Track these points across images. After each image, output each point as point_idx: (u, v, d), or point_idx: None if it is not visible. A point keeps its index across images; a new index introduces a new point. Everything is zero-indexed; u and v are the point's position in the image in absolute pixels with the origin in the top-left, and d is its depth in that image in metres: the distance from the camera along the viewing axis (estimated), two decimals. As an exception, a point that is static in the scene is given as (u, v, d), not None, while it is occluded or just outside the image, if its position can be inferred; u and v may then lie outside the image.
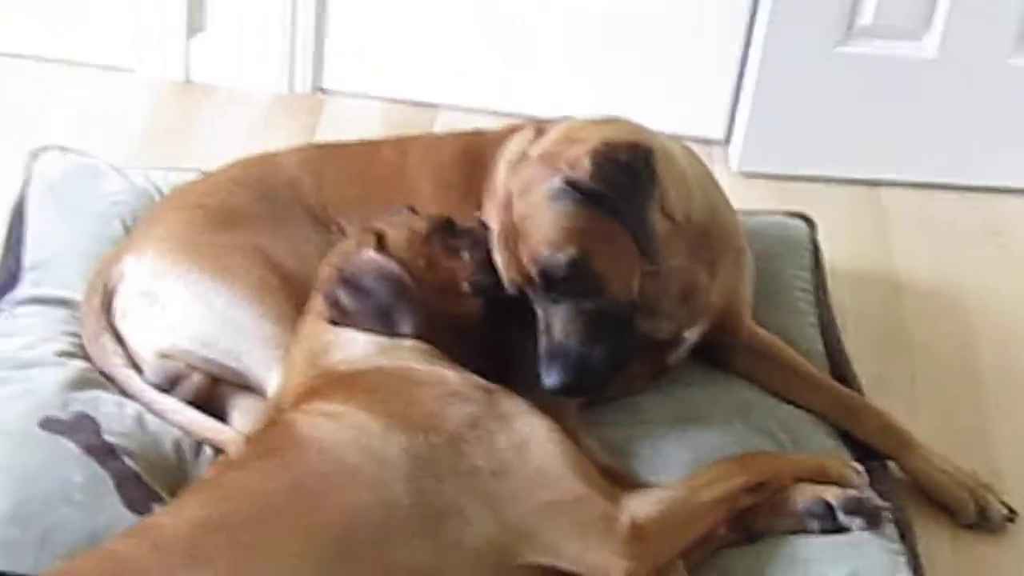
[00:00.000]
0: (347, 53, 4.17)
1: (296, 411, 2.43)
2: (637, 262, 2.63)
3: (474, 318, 2.66)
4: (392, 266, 2.59)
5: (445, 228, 2.70)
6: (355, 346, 2.54)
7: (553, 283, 2.59)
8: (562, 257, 2.57)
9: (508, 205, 2.64)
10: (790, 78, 3.90)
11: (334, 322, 2.56)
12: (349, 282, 2.57)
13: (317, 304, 2.62)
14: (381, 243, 2.63)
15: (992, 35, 3.89)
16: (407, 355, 2.51)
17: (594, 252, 2.58)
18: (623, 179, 2.59)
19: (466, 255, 2.67)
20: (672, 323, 2.84)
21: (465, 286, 2.65)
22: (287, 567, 2.16)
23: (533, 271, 2.60)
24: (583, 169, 2.58)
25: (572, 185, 2.57)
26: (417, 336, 2.54)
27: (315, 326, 2.60)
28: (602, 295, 2.60)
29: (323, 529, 2.20)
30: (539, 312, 2.62)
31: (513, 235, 2.62)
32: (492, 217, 2.67)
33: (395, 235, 2.66)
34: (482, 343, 2.66)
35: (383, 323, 2.54)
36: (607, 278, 2.60)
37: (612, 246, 2.60)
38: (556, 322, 2.60)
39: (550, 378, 2.57)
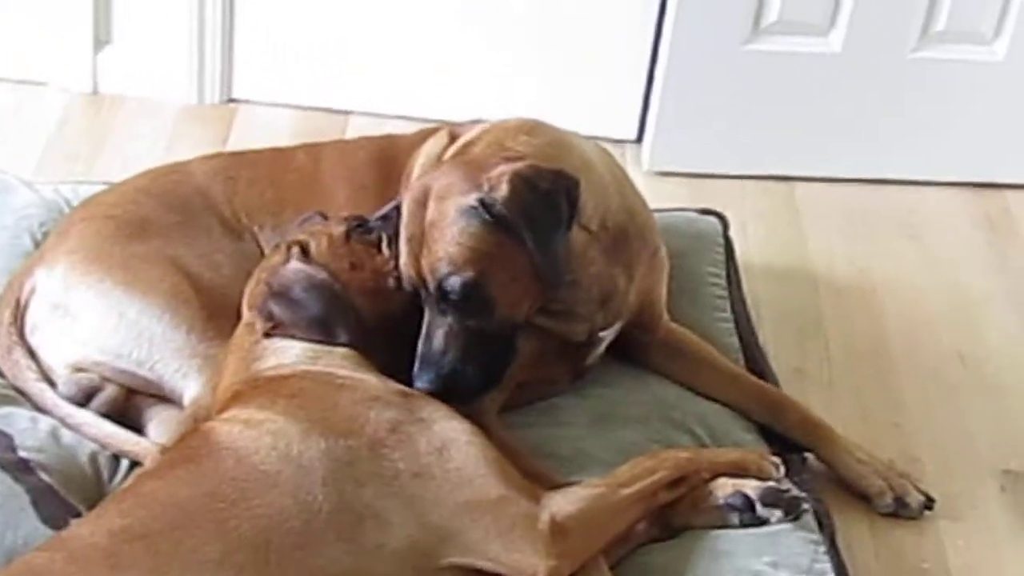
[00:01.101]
0: (257, 62, 4.15)
1: (215, 419, 2.43)
2: (533, 289, 2.64)
3: (406, 310, 2.66)
4: (320, 274, 2.59)
5: (360, 226, 2.69)
6: (288, 352, 2.53)
7: (445, 298, 2.59)
8: (458, 279, 2.57)
9: (423, 204, 2.63)
10: (699, 77, 3.92)
11: (268, 335, 2.55)
12: (281, 295, 2.58)
13: (249, 317, 2.61)
14: (305, 253, 2.63)
15: (896, 29, 3.93)
16: (335, 361, 2.52)
17: (491, 276, 2.59)
18: (538, 208, 2.58)
19: (386, 249, 2.67)
20: (588, 325, 2.84)
21: (391, 281, 2.65)
22: (206, 574, 2.15)
23: (429, 281, 2.60)
24: (500, 192, 2.56)
25: (484, 206, 2.56)
26: (353, 342, 2.55)
27: (249, 336, 2.59)
28: (491, 316, 2.61)
29: (242, 535, 2.20)
30: (426, 315, 2.63)
31: (419, 237, 2.62)
32: (405, 207, 2.66)
33: (316, 243, 2.66)
34: (415, 342, 2.66)
35: (320, 332, 2.55)
36: (499, 303, 2.61)
37: (511, 272, 2.60)
38: (438, 332, 2.61)
39: (419, 381, 2.58)
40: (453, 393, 2.56)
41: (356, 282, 2.62)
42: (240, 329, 2.62)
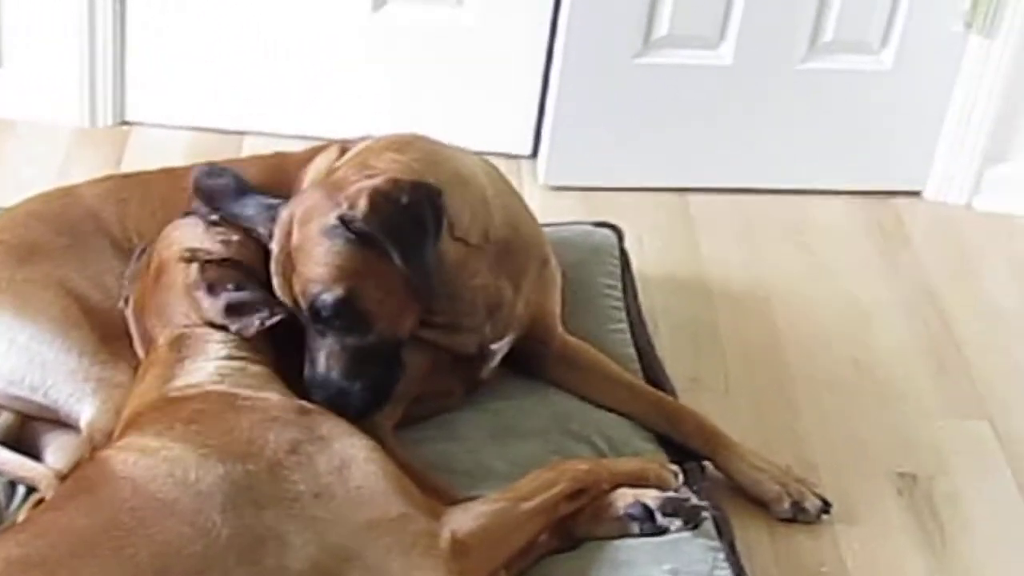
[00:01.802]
0: (149, 84, 4.12)
1: (111, 447, 2.41)
2: (409, 301, 2.65)
3: None
4: (238, 265, 2.64)
5: (203, 213, 2.72)
6: (199, 373, 2.53)
7: (320, 318, 2.60)
8: (329, 297, 2.58)
9: (288, 231, 2.64)
10: (591, 91, 3.95)
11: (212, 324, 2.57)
12: (233, 299, 2.60)
13: (174, 334, 2.60)
14: (204, 255, 2.64)
15: (785, 41, 3.97)
16: (245, 380, 2.51)
17: (363, 292, 2.59)
18: (399, 221, 2.58)
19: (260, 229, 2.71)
20: (479, 337, 2.85)
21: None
22: (105, 602, 2.14)
23: (302, 303, 2.61)
24: (359, 209, 2.57)
25: (345, 224, 2.57)
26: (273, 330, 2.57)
27: (175, 352, 2.57)
28: (369, 332, 2.62)
29: (139, 562, 2.19)
30: (308, 337, 2.64)
31: (288, 262, 2.63)
32: (275, 234, 2.67)
33: (201, 243, 2.68)
34: None
35: (282, 308, 2.59)
36: (375, 317, 2.62)
37: (382, 286, 2.61)
38: (320, 355, 2.62)
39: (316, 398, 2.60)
40: (347, 410, 2.57)
41: (253, 254, 2.68)
42: (161, 349, 2.60)
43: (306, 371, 2.63)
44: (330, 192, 2.64)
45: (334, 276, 2.58)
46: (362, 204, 2.57)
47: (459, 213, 2.70)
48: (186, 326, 2.60)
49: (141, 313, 2.68)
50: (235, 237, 2.70)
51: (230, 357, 2.56)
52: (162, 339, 2.62)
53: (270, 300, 2.62)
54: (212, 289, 2.60)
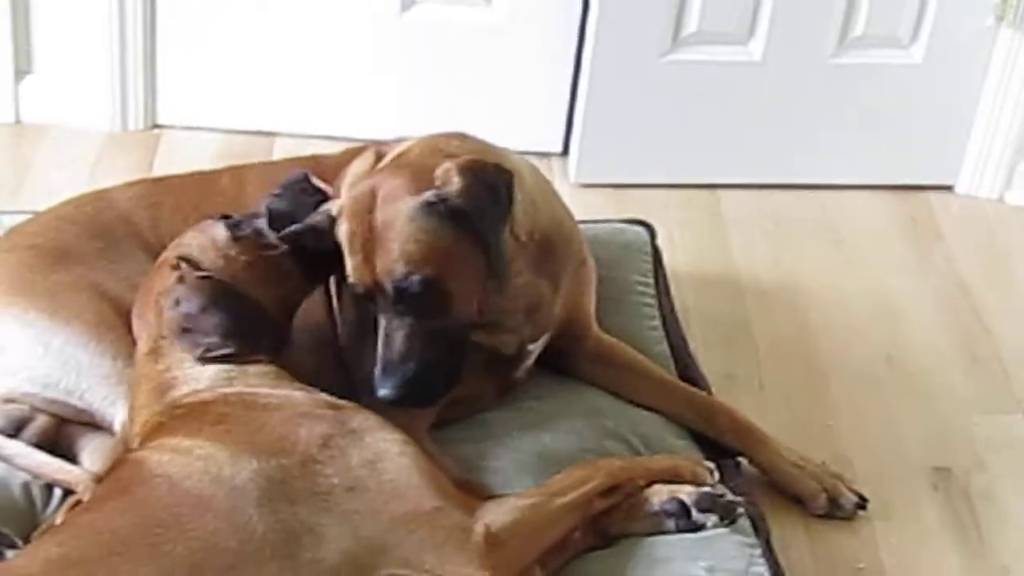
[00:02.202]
0: (180, 87, 4.13)
1: (144, 448, 2.42)
2: (483, 282, 2.64)
3: (304, 290, 2.67)
4: (218, 284, 2.55)
5: (240, 223, 2.66)
6: (200, 378, 2.52)
7: (403, 298, 2.59)
8: (417, 276, 2.56)
9: (369, 208, 2.61)
10: (621, 89, 3.95)
11: (204, 359, 2.52)
12: (189, 316, 2.54)
13: (151, 344, 2.58)
14: (194, 266, 2.60)
15: (815, 36, 3.96)
16: (254, 380, 2.50)
17: (448, 273, 2.59)
18: (487, 200, 2.60)
19: (269, 232, 2.64)
20: (517, 338, 2.85)
21: (286, 263, 2.63)
22: (144, 599, 2.15)
23: (386, 283, 2.59)
24: (454, 185, 2.57)
25: (442, 200, 2.57)
26: (275, 348, 2.54)
27: (155, 364, 2.56)
28: (447, 315, 2.61)
29: (176, 558, 2.20)
30: (381, 320, 2.62)
31: (371, 240, 2.60)
32: (345, 218, 2.63)
33: (202, 253, 2.62)
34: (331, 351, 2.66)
35: (241, 342, 2.53)
36: (455, 299, 2.61)
37: (466, 267, 2.61)
38: (398, 336, 2.60)
39: (384, 389, 2.58)
40: (419, 397, 2.58)
41: (254, 278, 2.60)
42: (142, 358, 2.59)
43: (381, 352, 2.60)
44: (415, 172, 2.63)
45: (425, 255, 2.57)
46: (456, 181, 2.57)
47: (516, 208, 2.70)
48: (153, 335, 2.58)
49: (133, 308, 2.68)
50: (244, 257, 2.63)
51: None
52: (142, 344, 2.60)
53: (232, 331, 2.54)
54: (177, 302, 2.56)
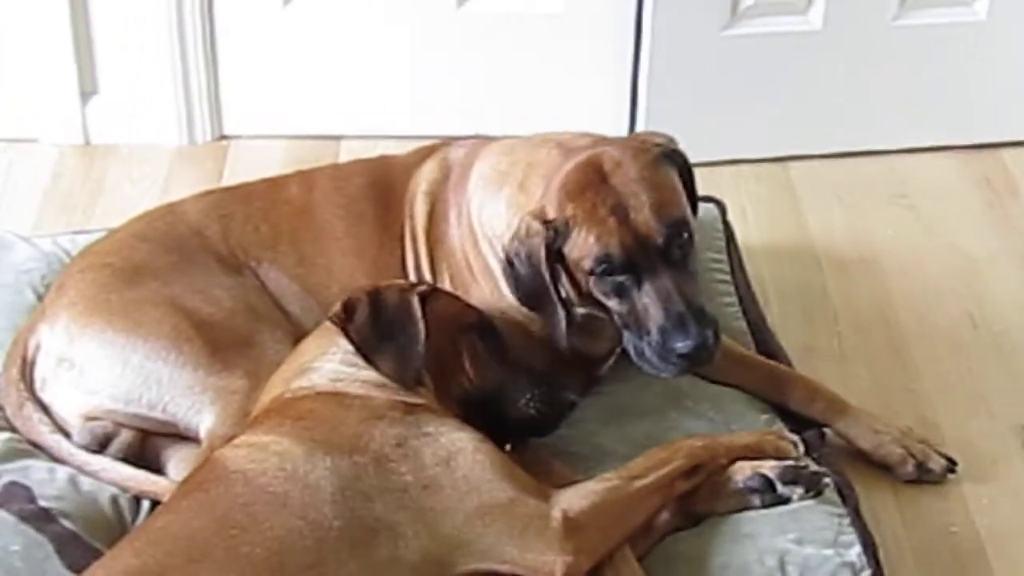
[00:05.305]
0: (244, 97, 4.17)
1: (226, 447, 2.44)
2: None
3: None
4: (418, 323, 2.58)
5: (486, 329, 2.69)
6: (319, 372, 2.55)
7: (673, 244, 2.64)
8: (682, 220, 2.66)
9: (604, 174, 2.65)
10: (683, 66, 3.93)
11: (359, 349, 2.56)
12: (377, 315, 2.58)
13: (326, 329, 2.62)
14: (427, 297, 2.63)
15: (875, 0, 3.93)
16: (355, 385, 2.52)
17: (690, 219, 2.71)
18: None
19: (486, 358, 2.66)
20: (610, 344, 2.87)
21: (465, 384, 2.64)
22: (224, 605, 2.17)
23: (658, 233, 2.62)
24: (667, 140, 2.75)
25: (673, 151, 2.74)
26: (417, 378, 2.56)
27: (316, 348, 2.60)
28: (694, 264, 2.70)
29: (255, 560, 2.22)
30: (647, 284, 2.64)
31: (623, 203, 2.63)
32: (574, 200, 2.66)
33: (445, 302, 2.68)
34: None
35: (397, 363, 2.55)
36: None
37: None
38: (673, 288, 2.63)
39: (683, 341, 2.61)
40: (712, 347, 2.65)
41: (438, 355, 2.60)
42: (311, 337, 2.64)
43: (663, 311, 2.62)
44: (624, 141, 2.80)
45: (679, 201, 2.70)
46: (661, 139, 2.76)
47: None
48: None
49: None
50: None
51: (346, 363, 2.57)
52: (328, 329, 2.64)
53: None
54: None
